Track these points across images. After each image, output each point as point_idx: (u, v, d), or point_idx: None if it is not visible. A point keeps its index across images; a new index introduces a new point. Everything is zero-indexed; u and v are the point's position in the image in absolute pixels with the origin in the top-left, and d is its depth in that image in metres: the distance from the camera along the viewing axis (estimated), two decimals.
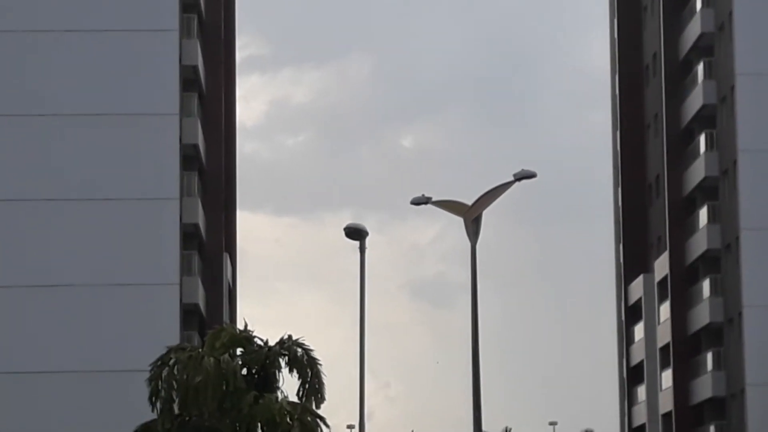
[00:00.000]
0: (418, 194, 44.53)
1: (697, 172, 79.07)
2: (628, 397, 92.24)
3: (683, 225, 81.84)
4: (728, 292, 75.95)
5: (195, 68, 72.78)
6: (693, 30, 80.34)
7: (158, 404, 47.05)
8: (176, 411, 46.96)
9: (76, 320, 66.17)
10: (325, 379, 47.54)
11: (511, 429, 52.19)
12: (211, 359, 46.53)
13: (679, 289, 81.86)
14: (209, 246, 75.73)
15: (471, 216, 42.92)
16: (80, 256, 66.91)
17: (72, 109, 67.81)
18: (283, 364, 47.75)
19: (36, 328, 65.97)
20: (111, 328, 65.52)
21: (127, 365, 54.99)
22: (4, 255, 66.82)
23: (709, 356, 77.83)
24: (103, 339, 65.44)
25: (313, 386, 47.20)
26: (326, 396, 47.43)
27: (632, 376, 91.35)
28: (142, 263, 66.89)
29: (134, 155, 67.62)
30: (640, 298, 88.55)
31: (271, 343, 48.05)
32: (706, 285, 78.06)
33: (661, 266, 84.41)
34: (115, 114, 67.83)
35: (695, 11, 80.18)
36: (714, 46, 78.71)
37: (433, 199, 44.26)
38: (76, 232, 67.01)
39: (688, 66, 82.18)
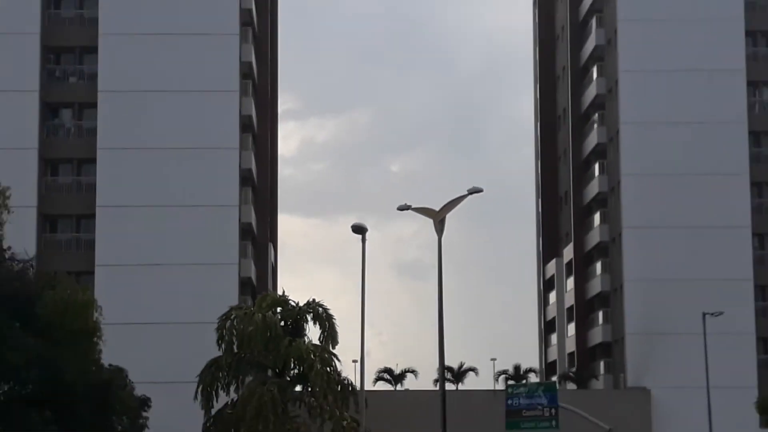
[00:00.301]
0: (402, 203, 44.49)
1: (593, 189, 79.00)
2: (544, 342, 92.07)
3: (583, 225, 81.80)
4: (613, 271, 75.89)
5: (250, 117, 72.58)
6: (591, 92, 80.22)
7: (223, 346, 47.00)
8: (235, 350, 46.95)
9: (173, 288, 65.92)
10: (338, 329, 47.54)
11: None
12: (259, 315, 46.48)
13: (580, 268, 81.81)
14: (259, 238, 75.55)
15: (438, 218, 42.83)
16: (175, 245, 66.62)
17: (171, 144, 67.47)
18: (309, 318, 47.68)
19: (148, 294, 65.74)
20: (194, 294, 65.28)
21: (203, 319, 54.65)
22: (127, 244, 66.54)
23: (600, 314, 77.73)
24: (188, 301, 65.22)
25: (329, 334, 47.10)
26: (338, 340, 47.41)
27: (548, 327, 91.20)
28: (214, 250, 66.62)
29: (209, 176, 67.38)
30: (553, 275, 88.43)
31: (301, 304, 48.06)
32: (598, 266, 77.99)
33: (568, 253, 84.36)
34: (198, 148, 67.47)
35: (592, 79, 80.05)
36: (605, 103, 78.64)
37: (413, 206, 44.18)
38: (173, 229, 66.68)
39: (587, 116, 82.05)
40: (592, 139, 79.13)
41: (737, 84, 72.68)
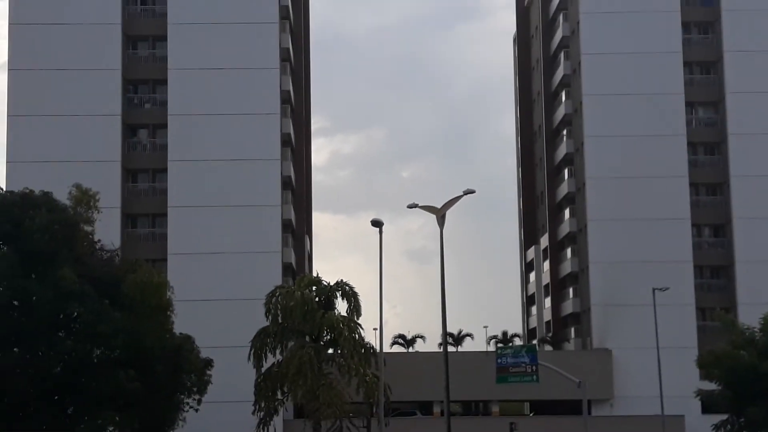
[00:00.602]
0: (411, 202, 44.46)
1: (564, 189, 78.72)
2: (526, 312, 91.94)
3: (556, 218, 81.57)
4: (581, 255, 75.67)
5: (289, 134, 72.58)
6: (560, 111, 79.90)
7: (269, 317, 47.10)
8: (280, 321, 46.98)
9: (229, 272, 65.77)
10: (362, 303, 47.57)
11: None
12: (299, 292, 46.58)
13: (554, 253, 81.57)
14: (297, 231, 75.55)
15: (439, 214, 42.81)
16: (231, 238, 66.42)
17: (226, 157, 67.28)
18: (338, 295, 47.73)
19: (210, 277, 65.61)
20: (246, 276, 65.20)
21: (254, 296, 54.71)
22: (193, 237, 66.47)
23: (571, 290, 77.51)
24: (242, 282, 65.09)
25: (354, 307, 47.15)
26: (362, 312, 47.42)
27: (529, 301, 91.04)
28: (261, 241, 66.51)
29: (257, 182, 67.25)
30: (532, 259, 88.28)
31: (332, 284, 48.07)
32: (568, 251, 77.75)
33: (544, 241, 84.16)
34: (247, 159, 67.30)
35: (562, 101, 79.78)
36: (572, 120, 78.41)
37: (419, 205, 44.13)
38: (229, 225, 66.40)
39: (558, 131, 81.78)
40: (562, 150, 78.95)
41: (678, 105, 72.43)
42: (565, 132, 78.85)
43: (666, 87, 72.08)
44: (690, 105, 73.65)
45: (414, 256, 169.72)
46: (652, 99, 71.90)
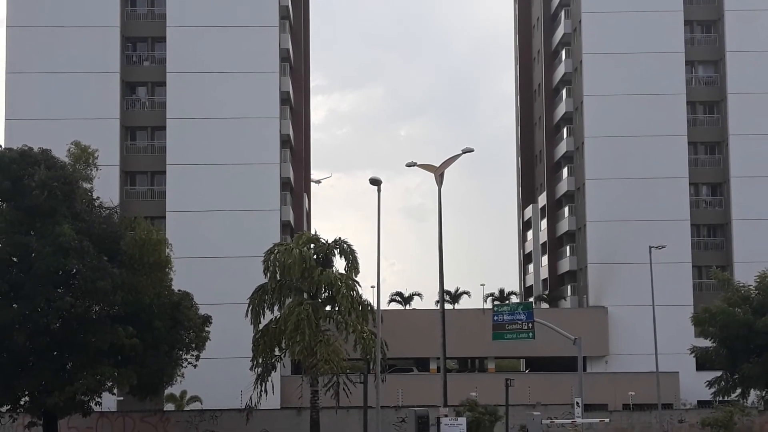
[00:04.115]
0: (408, 161, 44.35)
1: (562, 148, 78.76)
2: (523, 270, 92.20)
3: (554, 177, 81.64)
4: (578, 214, 75.77)
5: (288, 93, 72.34)
6: (560, 70, 79.79)
7: (268, 274, 47.10)
8: (278, 278, 47.06)
9: (228, 230, 65.91)
10: (359, 261, 47.58)
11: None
12: (297, 250, 46.53)
13: (552, 212, 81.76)
14: (296, 189, 75.58)
15: (438, 172, 42.75)
16: (229, 195, 66.52)
17: (224, 115, 67.05)
18: (336, 253, 47.73)
19: (208, 234, 65.75)
20: (244, 234, 65.29)
21: (252, 253, 54.82)
22: (192, 195, 66.44)
23: (568, 248, 77.75)
24: (240, 240, 65.22)
25: (352, 265, 47.12)
26: (359, 270, 47.43)
27: (526, 259, 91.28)
28: (260, 199, 66.51)
29: (256, 140, 67.12)
30: (530, 217, 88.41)
31: (330, 241, 48.11)
32: (566, 210, 77.86)
33: (542, 199, 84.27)
34: (246, 118, 67.15)
35: (561, 60, 79.57)
36: (572, 80, 78.15)
37: (418, 163, 44.06)
38: (227, 183, 66.46)
39: (557, 90, 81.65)
40: (561, 109, 78.84)
41: (677, 63, 72.23)
42: (564, 91, 78.65)
43: (666, 46, 71.83)
44: (690, 64, 73.44)
45: (412, 214, 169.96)
46: (651, 58, 71.66)
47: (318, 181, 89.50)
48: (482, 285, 76.74)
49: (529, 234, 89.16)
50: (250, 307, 46.94)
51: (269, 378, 47.05)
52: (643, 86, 71.53)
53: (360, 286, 47.21)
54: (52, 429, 42.42)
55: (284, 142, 71.15)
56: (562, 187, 78.54)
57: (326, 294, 47.18)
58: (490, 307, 58.88)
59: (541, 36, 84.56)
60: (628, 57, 71.81)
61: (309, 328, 44.90)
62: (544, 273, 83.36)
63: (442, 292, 42.66)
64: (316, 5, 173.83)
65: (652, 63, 71.66)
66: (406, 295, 75.30)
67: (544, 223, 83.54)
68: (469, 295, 75.59)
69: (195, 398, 59.03)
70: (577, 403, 42.64)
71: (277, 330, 46.17)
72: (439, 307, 42.96)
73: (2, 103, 67.20)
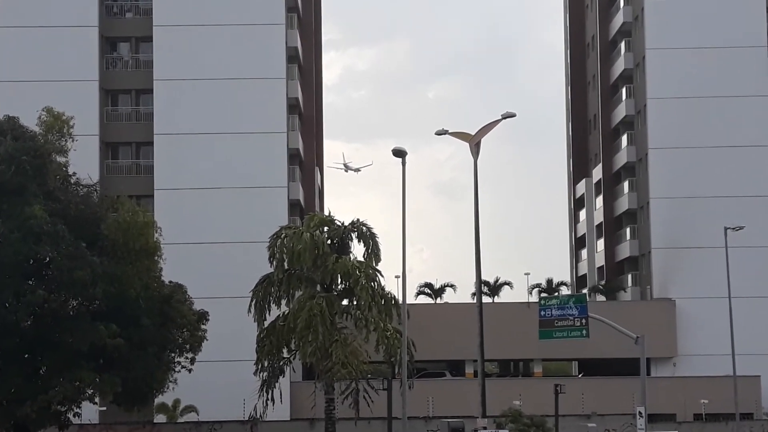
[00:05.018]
0: (438, 128, 44.32)
1: (621, 112, 78.45)
2: (575, 257, 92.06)
3: (611, 146, 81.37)
4: (640, 189, 75.54)
5: (296, 48, 72.24)
6: (618, 19, 79.46)
7: (274, 262, 47.25)
8: (286, 267, 47.16)
9: (227, 210, 66.02)
10: (381, 247, 47.64)
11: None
12: (308, 234, 46.64)
13: (609, 187, 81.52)
14: (306, 162, 75.62)
15: (474, 141, 42.75)
16: (228, 170, 66.51)
17: (222, 75, 66.98)
18: (353, 237, 47.83)
19: (204, 216, 65.83)
20: (246, 215, 65.44)
21: (256, 238, 54.98)
22: (184, 170, 66.52)
23: (628, 230, 77.51)
24: (241, 222, 65.32)
25: (373, 251, 47.23)
26: (381, 257, 47.49)
27: (578, 243, 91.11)
28: (264, 174, 66.63)
29: (259, 105, 67.13)
30: (583, 194, 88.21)
31: (346, 224, 48.16)
32: (626, 185, 77.64)
33: (597, 173, 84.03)
34: (248, 78, 67.01)
35: (619, 7, 79.25)
36: (632, 31, 77.80)
37: (449, 131, 44.02)
38: (226, 154, 66.33)
39: (614, 43, 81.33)
40: (620, 65, 78.51)
41: (757, 9, 71.80)
42: (623, 44, 78.32)
43: None
44: None
45: (443, 191, 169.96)
46: (725, 3, 71.22)
47: (357, 170, 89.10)
48: (527, 274, 76.64)
49: (582, 214, 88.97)
50: (254, 302, 47.09)
51: (277, 384, 47.23)
52: (717, 37, 71.14)
53: (382, 276, 47.36)
54: None
55: (292, 107, 71.17)
56: (621, 158, 78.26)
57: (343, 285, 47.29)
58: (536, 300, 58.81)
59: None
60: (698, 2, 71.41)
61: (323, 325, 45.02)
62: (600, 260, 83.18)
63: (479, 282, 42.66)
64: None
65: (727, 9, 71.28)
66: (437, 286, 75.31)
67: (599, 201, 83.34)
68: (512, 287, 75.59)
69: (190, 408, 59.38)
70: (640, 413, 42.58)
71: (286, 328, 46.31)
72: (476, 301, 42.98)
73: None
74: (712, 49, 71.11)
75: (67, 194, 42.28)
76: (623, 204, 78.06)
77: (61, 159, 42.72)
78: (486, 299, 69.59)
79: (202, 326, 45.96)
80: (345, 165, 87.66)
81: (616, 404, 60.51)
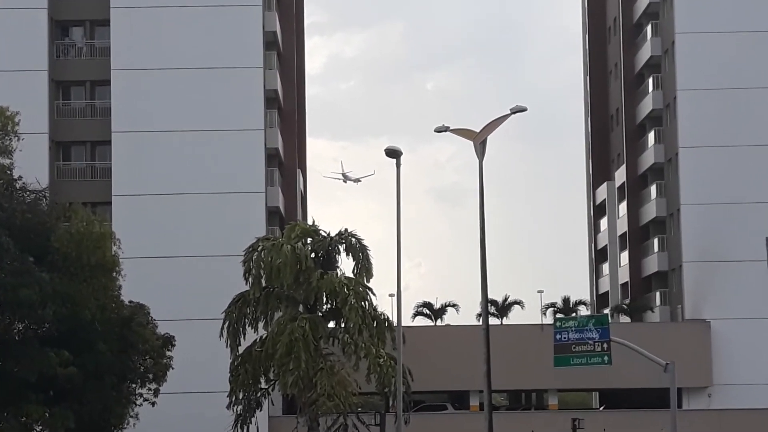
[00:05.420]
0: (438, 124, 44.40)
1: (647, 105, 78.62)
2: (595, 272, 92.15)
3: (636, 145, 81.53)
4: (669, 194, 75.69)
5: (274, 33, 72.33)
6: (643, 1, 79.77)
7: (250, 279, 47.36)
8: (263, 284, 47.23)
9: (196, 219, 66.08)
10: (372, 261, 47.78)
11: None
12: (288, 246, 46.77)
13: (634, 192, 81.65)
14: (286, 164, 75.70)
15: (478, 140, 42.81)
16: (198, 173, 66.69)
17: (190, 64, 67.15)
18: (341, 249, 47.99)
19: (169, 225, 66.04)
20: (218, 225, 65.48)
21: (229, 251, 55.08)
22: (146, 173, 66.64)
23: (656, 241, 77.67)
24: (213, 233, 65.38)
25: (363, 266, 47.38)
26: (373, 272, 47.63)
27: (599, 256, 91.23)
28: (239, 177, 66.69)
29: (232, 98, 67.20)
30: (604, 199, 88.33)
31: (332, 234, 48.27)
32: (653, 189, 77.76)
33: (620, 175, 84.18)
34: (219, 68, 67.21)
35: None
36: (659, 12, 77.97)
37: (451, 128, 44.14)
38: (195, 156, 66.61)
39: (639, 26, 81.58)
40: (646, 51, 78.70)
41: None
42: (649, 28, 78.60)
43: None
44: None
45: (444, 196, 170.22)
46: None
47: (358, 180, 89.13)
48: (540, 292, 76.70)
49: (603, 222, 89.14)
50: (227, 324, 47.18)
51: (253, 419, 47.33)
52: (757, 20, 71.43)
53: (374, 294, 47.55)
54: None
55: (270, 100, 71.32)
56: (648, 159, 78.49)
57: (329, 305, 47.44)
58: (551, 322, 58.94)
59: None
60: None
61: (306, 351, 45.11)
62: (624, 275, 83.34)
63: (486, 302, 42.73)
64: None
65: None
66: (437, 306, 75.43)
67: (623, 207, 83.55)
68: (523, 306, 75.70)
69: None
70: None
71: (264, 354, 46.40)
72: (482, 323, 43.06)
73: None
74: (751, 34, 71.37)
75: (12, 201, 42.29)
76: (650, 211, 78.22)
77: (4, 160, 42.75)
78: (493, 321, 69.69)
79: (167, 353, 45.94)
80: (343, 175, 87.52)
81: None
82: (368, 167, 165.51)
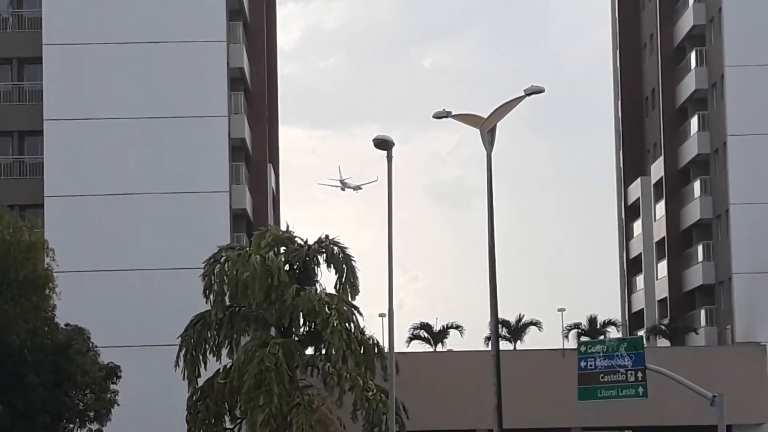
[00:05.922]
0: (438, 109, 44.34)
1: (689, 85, 78.79)
2: (627, 286, 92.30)
3: (676, 133, 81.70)
4: (716, 192, 75.83)
5: (240, 1, 72.46)
6: None
7: (211, 297, 47.36)
8: (227, 302, 47.20)
9: (146, 225, 66.26)
10: (359, 274, 47.84)
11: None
12: (258, 257, 46.79)
13: (673, 189, 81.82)
14: (255, 157, 75.76)
15: (486, 127, 42.82)
16: (148, 170, 66.88)
17: (140, 38, 67.41)
18: (321, 260, 48.08)
19: (114, 233, 66.09)
20: (174, 232, 65.63)
21: (186, 264, 55.12)
22: (86, 169, 66.84)
23: (700, 248, 77.78)
24: (166, 241, 65.54)
25: (348, 280, 47.45)
26: (360, 288, 47.66)
27: (631, 267, 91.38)
28: (198, 174, 66.90)
29: (186, 78, 67.44)
30: (638, 198, 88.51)
31: (311, 242, 48.31)
32: (696, 186, 77.91)
33: (657, 169, 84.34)
34: (174, 42, 67.55)
35: None
36: None
37: (453, 113, 44.13)
38: (145, 148, 66.84)
39: None
40: (687, 21, 78.87)
41: None
42: None
43: None
44: None
45: (445, 195, 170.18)
46: None
47: (358, 188, 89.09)
48: (561, 311, 76.76)
49: (637, 226, 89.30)
50: (183, 351, 47.21)
51: None
52: None
53: (361, 314, 47.54)
54: None
55: (236, 80, 71.43)
56: (691, 149, 78.65)
57: (307, 328, 47.45)
58: (575, 346, 58.90)
59: None
60: None
61: (279, 383, 45.15)
62: (662, 290, 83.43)
63: (496, 323, 42.69)
64: None
65: None
66: (437, 328, 75.40)
67: (660, 209, 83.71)
68: (540, 328, 75.66)
69: None
70: None
71: (228, 387, 46.40)
72: (491, 348, 43.01)
73: None
74: None
75: None
76: (693, 212, 78.36)
77: None
78: (505, 345, 69.71)
79: (112, 386, 45.99)
80: (341, 182, 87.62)
81: None
82: (354, 162, 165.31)
